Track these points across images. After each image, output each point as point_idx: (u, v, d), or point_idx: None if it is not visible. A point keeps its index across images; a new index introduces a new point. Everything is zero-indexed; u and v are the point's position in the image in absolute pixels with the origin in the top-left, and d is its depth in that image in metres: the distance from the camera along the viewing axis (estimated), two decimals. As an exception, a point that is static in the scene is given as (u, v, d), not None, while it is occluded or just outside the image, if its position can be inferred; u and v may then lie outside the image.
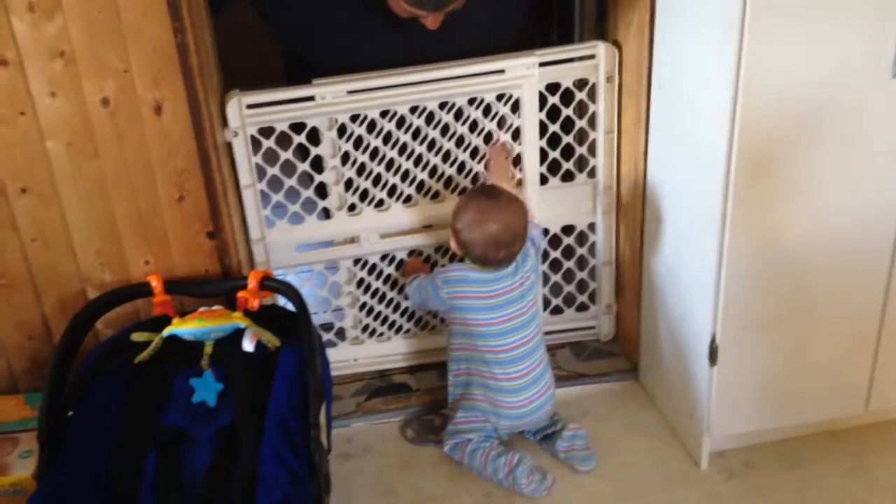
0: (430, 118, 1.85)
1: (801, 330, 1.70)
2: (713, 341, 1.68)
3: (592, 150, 1.96)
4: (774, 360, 1.72)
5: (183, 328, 1.63)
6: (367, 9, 1.74)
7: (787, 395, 1.76)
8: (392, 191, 1.92)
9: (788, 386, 1.75)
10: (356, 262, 2.00)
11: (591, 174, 1.99)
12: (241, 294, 1.68)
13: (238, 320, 1.65)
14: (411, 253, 1.98)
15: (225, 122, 1.75)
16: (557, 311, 2.14)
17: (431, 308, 1.91)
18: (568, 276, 2.11)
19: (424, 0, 1.64)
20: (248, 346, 1.62)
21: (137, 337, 1.65)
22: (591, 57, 1.87)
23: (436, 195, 1.94)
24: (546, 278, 2.09)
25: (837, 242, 1.64)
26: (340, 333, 2.08)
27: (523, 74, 1.84)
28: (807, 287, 1.67)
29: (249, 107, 1.76)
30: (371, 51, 1.83)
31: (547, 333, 2.12)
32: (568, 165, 1.97)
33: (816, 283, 1.67)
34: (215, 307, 1.71)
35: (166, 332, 1.63)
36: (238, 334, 1.64)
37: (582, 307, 2.15)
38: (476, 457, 1.79)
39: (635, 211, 1.93)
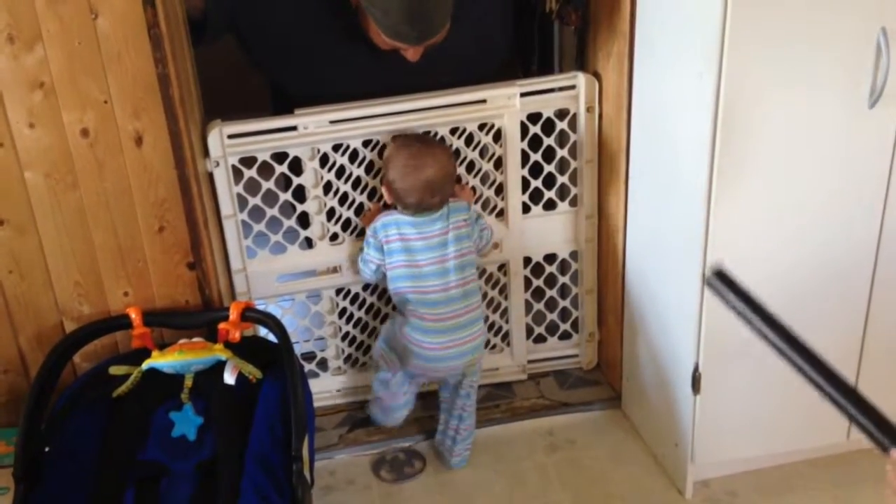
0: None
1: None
2: (696, 369, 1.69)
3: (574, 179, 1.97)
4: (757, 388, 1.72)
5: (163, 361, 1.61)
6: (348, 40, 1.75)
7: (771, 423, 1.77)
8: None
9: (772, 414, 1.75)
10: (338, 291, 1.99)
11: (573, 203, 1.99)
12: (222, 325, 1.66)
13: (219, 352, 1.63)
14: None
15: (206, 152, 1.74)
16: (541, 339, 2.14)
17: (374, 269, 1.82)
18: (551, 304, 2.11)
19: (405, 34, 1.64)
20: (229, 378, 1.60)
21: (116, 370, 1.62)
22: (572, 87, 1.88)
23: (418, 224, 1.93)
24: (529, 307, 2.08)
25: (818, 269, 1.65)
26: (322, 364, 2.06)
27: (505, 104, 1.85)
28: (788, 314, 1.65)
29: (231, 136, 1.75)
30: (352, 81, 1.83)
31: (530, 362, 2.13)
32: (550, 194, 1.98)
33: (797, 310, 1.65)
34: (196, 339, 1.69)
35: (145, 365, 1.61)
36: (219, 367, 1.62)
37: (565, 335, 2.15)
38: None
39: (617, 239, 1.94)
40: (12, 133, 1.51)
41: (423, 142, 1.75)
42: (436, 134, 1.84)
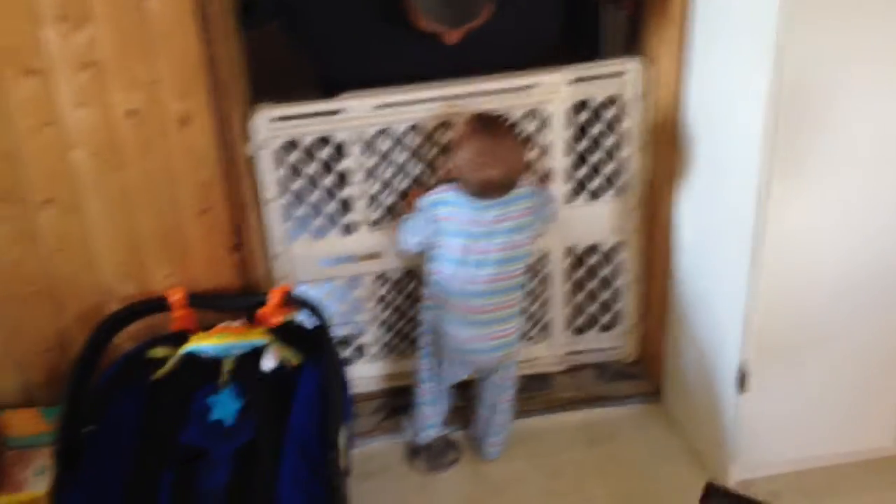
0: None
1: (831, 358, 1.67)
2: (742, 368, 1.65)
3: (622, 167, 1.93)
4: (803, 388, 1.69)
5: (203, 344, 1.61)
6: (392, 23, 1.72)
7: (817, 424, 1.73)
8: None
9: (817, 415, 1.72)
10: (378, 277, 1.97)
11: (620, 192, 1.96)
12: (262, 310, 1.66)
13: (259, 337, 1.62)
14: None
15: (250, 135, 1.73)
16: (580, 330, 2.11)
17: (417, 242, 1.77)
18: (592, 295, 2.08)
19: (443, 16, 1.62)
20: (268, 363, 1.60)
21: (157, 352, 1.63)
22: (622, 74, 1.84)
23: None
24: (570, 297, 2.05)
25: (868, 269, 1.61)
26: (360, 349, 2.05)
27: (553, 91, 1.81)
28: (838, 314, 1.63)
29: (276, 119, 1.73)
30: (397, 63, 1.80)
31: (569, 353, 2.11)
32: (596, 183, 1.94)
33: (847, 310, 1.64)
34: (236, 322, 1.69)
35: (186, 348, 1.61)
36: (259, 351, 1.62)
37: (606, 327, 2.11)
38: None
39: (665, 230, 1.90)
40: (61, 112, 1.50)
41: (495, 135, 1.65)
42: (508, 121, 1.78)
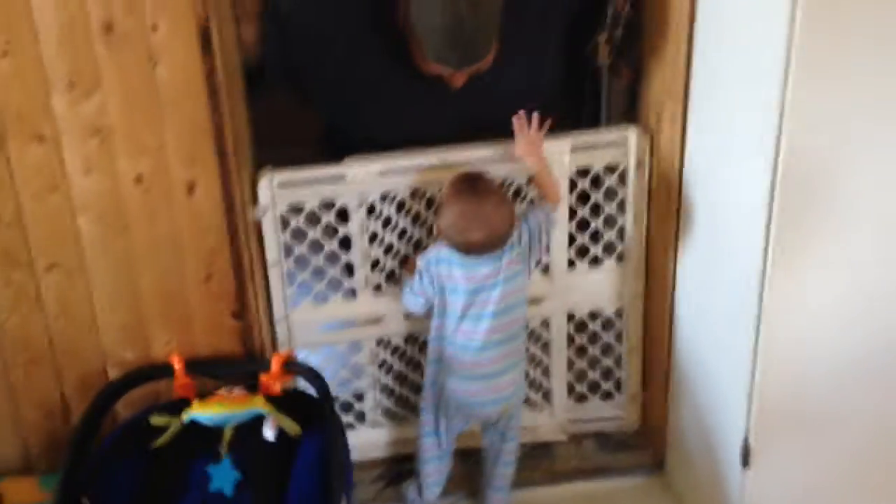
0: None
1: (838, 434, 1.65)
2: (746, 442, 1.63)
3: (621, 235, 1.94)
4: (811, 464, 1.66)
5: (203, 413, 1.60)
6: (399, 70, 1.75)
7: (825, 500, 1.70)
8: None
9: (826, 490, 1.69)
10: (379, 342, 1.96)
11: (620, 259, 1.96)
12: (263, 377, 1.65)
13: (259, 406, 1.61)
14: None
15: (255, 200, 1.74)
16: (582, 398, 2.09)
17: (421, 303, 1.77)
18: (593, 362, 2.07)
19: (448, 57, 1.65)
20: (268, 433, 1.58)
21: (156, 420, 1.61)
22: (622, 142, 1.86)
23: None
24: (571, 364, 2.04)
25: (873, 343, 1.60)
26: (360, 416, 2.03)
27: (554, 158, 1.83)
28: (844, 389, 1.62)
29: (280, 185, 1.75)
30: (404, 115, 1.84)
31: (571, 422, 2.08)
32: (596, 250, 1.95)
33: (853, 385, 1.62)
34: (236, 390, 1.67)
35: (186, 416, 1.59)
36: (258, 420, 1.60)
37: (607, 395, 2.10)
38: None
39: (665, 299, 1.90)
40: (68, 178, 1.52)
41: (478, 198, 1.65)
42: (503, 183, 1.80)
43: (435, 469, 1.86)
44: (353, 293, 1.91)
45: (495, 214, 1.64)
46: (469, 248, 1.66)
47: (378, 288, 1.90)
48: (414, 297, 1.77)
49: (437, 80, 1.72)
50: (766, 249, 1.49)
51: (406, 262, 1.86)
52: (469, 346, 1.71)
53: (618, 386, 2.08)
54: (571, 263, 1.95)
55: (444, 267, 1.70)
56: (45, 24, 1.41)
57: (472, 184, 1.67)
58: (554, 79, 1.93)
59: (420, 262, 1.73)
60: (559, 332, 2.00)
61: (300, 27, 1.75)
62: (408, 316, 1.92)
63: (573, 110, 2.02)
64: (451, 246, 1.68)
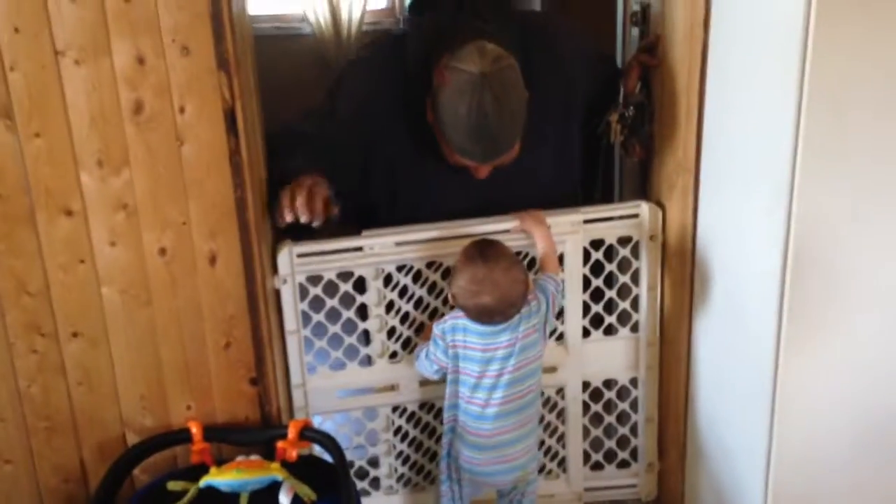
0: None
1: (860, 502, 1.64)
2: (764, 512, 1.63)
3: (635, 305, 1.96)
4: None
5: (220, 479, 1.61)
6: (426, 159, 1.82)
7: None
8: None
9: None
10: (394, 409, 1.98)
11: (634, 329, 1.98)
12: (280, 444, 1.67)
13: (276, 472, 1.62)
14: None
15: (275, 270, 1.78)
16: (598, 466, 2.09)
17: (435, 370, 1.78)
18: (609, 431, 2.07)
19: (471, 151, 1.70)
20: (284, 500, 1.59)
21: (174, 486, 1.62)
22: (635, 216, 1.89)
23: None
24: (587, 432, 2.05)
25: (890, 418, 1.59)
26: (375, 482, 2.04)
27: (568, 230, 1.87)
28: (859, 466, 1.61)
29: (300, 256, 1.79)
30: (429, 199, 1.89)
31: (587, 490, 2.08)
32: (611, 319, 1.97)
33: (869, 461, 1.61)
34: (253, 456, 1.69)
35: (203, 482, 1.61)
36: (275, 486, 1.62)
37: (623, 464, 2.09)
38: None
39: (679, 369, 1.91)
40: (94, 250, 1.57)
41: (488, 263, 1.65)
42: (520, 253, 1.83)
43: None
44: (369, 360, 1.94)
45: (505, 279, 1.65)
46: (481, 314, 1.67)
47: (394, 356, 1.92)
48: (428, 364, 1.78)
49: (462, 169, 1.78)
50: (779, 320, 1.50)
51: (422, 329, 1.88)
52: (483, 415, 1.72)
53: (634, 455, 2.08)
54: (586, 333, 1.97)
55: (459, 335, 1.72)
56: (77, 107, 1.48)
57: (482, 249, 1.68)
58: (577, 165, 1.98)
59: (436, 328, 1.75)
60: (574, 400, 2.01)
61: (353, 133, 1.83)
62: (423, 383, 1.94)
63: (587, 186, 2.06)
64: (465, 313, 1.70)
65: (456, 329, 1.72)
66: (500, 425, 1.72)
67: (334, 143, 1.82)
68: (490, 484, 1.81)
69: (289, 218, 1.66)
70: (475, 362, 1.71)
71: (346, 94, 1.87)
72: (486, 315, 1.67)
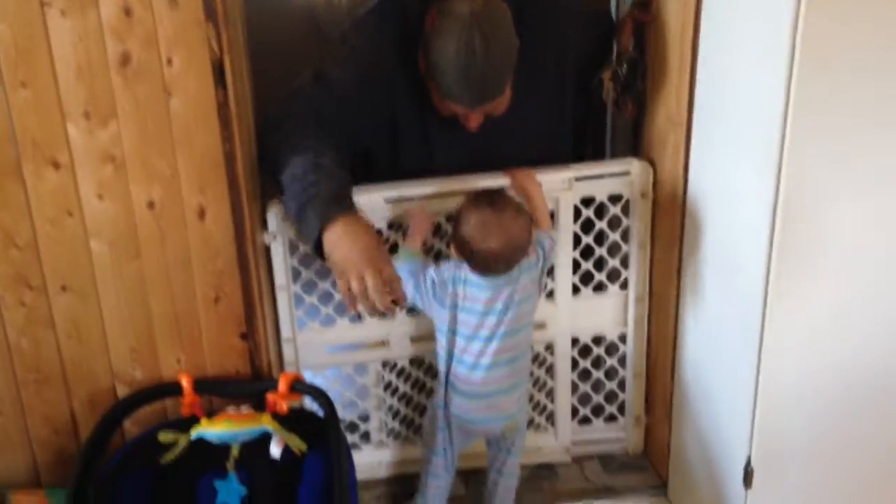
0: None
1: (839, 456, 1.66)
2: (748, 464, 1.65)
3: (625, 262, 1.97)
4: (812, 487, 1.68)
5: (211, 430, 1.63)
6: (419, 112, 1.81)
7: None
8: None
9: (825, 515, 1.71)
10: (385, 364, 1.99)
11: (623, 286, 1.99)
12: (270, 396, 1.68)
13: (266, 424, 1.64)
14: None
15: (265, 225, 1.78)
16: (586, 420, 2.11)
17: (411, 297, 1.73)
18: (597, 386, 2.09)
19: (461, 95, 1.69)
20: (275, 451, 1.61)
21: (164, 437, 1.64)
22: (626, 173, 1.89)
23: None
24: (575, 387, 2.07)
25: (873, 370, 1.61)
26: (365, 436, 2.06)
27: (559, 188, 1.87)
28: (847, 412, 1.63)
29: (289, 211, 1.78)
30: (421, 155, 1.89)
31: (575, 444, 2.11)
32: (600, 277, 1.98)
33: (857, 407, 1.64)
34: (243, 408, 1.71)
35: (194, 433, 1.63)
36: (265, 438, 1.63)
37: (611, 418, 2.12)
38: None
39: (668, 324, 1.92)
40: (82, 203, 1.56)
41: (495, 209, 1.64)
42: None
43: (442, 484, 1.87)
44: (359, 316, 1.94)
45: (514, 224, 1.64)
46: (486, 261, 1.65)
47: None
48: (412, 288, 1.72)
49: (454, 121, 1.76)
50: (767, 275, 1.51)
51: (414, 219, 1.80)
52: (478, 364, 1.73)
53: (621, 409, 2.11)
54: (576, 290, 1.98)
55: (459, 287, 1.71)
56: (63, 59, 1.46)
57: (489, 196, 1.68)
58: (570, 121, 1.97)
59: (434, 274, 1.71)
60: (563, 356, 2.02)
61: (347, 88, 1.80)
62: (414, 339, 1.95)
63: (578, 144, 2.06)
64: (469, 261, 1.68)
65: (457, 281, 1.71)
66: (492, 375, 1.73)
67: (334, 108, 1.79)
68: (480, 432, 1.84)
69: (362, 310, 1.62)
70: (474, 314, 1.71)
71: (353, 52, 1.83)
72: (492, 261, 1.65)
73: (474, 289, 1.70)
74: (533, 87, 1.83)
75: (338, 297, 1.90)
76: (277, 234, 1.78)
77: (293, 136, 1.72)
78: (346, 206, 1.63)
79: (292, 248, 1.83)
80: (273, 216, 1.77)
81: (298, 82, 1.82)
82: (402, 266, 1.70)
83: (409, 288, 1.70)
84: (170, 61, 1.48)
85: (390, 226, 1.85)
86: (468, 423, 1.80)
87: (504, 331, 1.71)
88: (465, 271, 1.69)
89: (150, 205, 1.57)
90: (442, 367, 1.79)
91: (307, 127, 1.74)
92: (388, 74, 1.81)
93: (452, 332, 1.75)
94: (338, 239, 1.59)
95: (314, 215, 1.60)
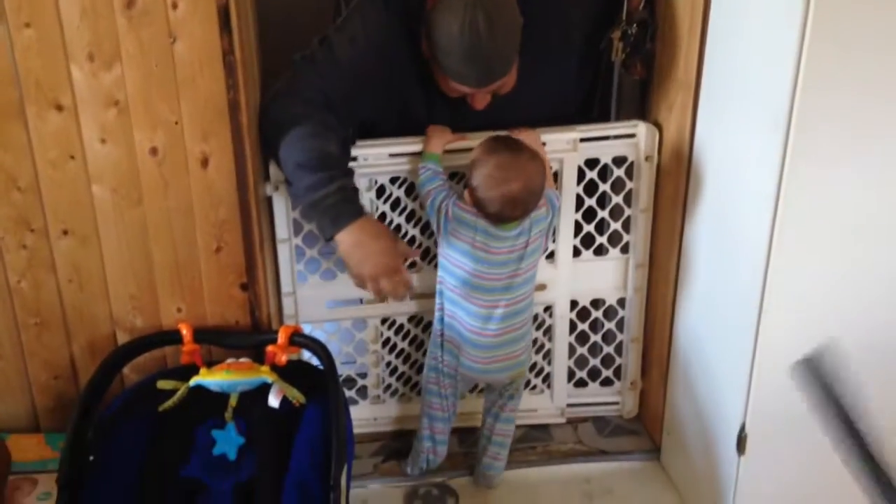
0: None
1: (832, 424, 1.67)
2: (742, 430, 1.66)
3: (627, 226, 1.97)
4: (807, 452, 1.68)
5: (210, 379, 1.63)
6: (425, 92, 1.80)
7: (818, 491, 1.72)
8: (425, 253, 1.92)
9: (819, 481, 1.71)
10: (384, 321, 2.00)
11: (624, 250, 1.99)
12: (270, 348, 1.68)
13: (265, 375, 1.64)
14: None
15: (267, 176, 1.77)
16: (581, 383, 2.12)
17: (431, 208, 1.75)
18: (594, 349, 2.10)
19: (465, 76, 1.67)
20: (273, 401, 1.62)
21: (163, 384, 1.64)
22: (632, 136, 1.88)
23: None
24: (572, 350, 2.07)
25: (871, 338, 1.62)
26: (362, 391, 2.07)
27: (563, 149, 1.86)
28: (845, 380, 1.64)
29: (292, 163, 1.78)
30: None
31: (570, 406, 2.12)
32: (602, 240, 1.98)
33: (854, 376, 1.64)
34: (242, 359, 1.71)
35: (193, 381, 1.63)
36: (264, 388, 1.64)
37: (607, 382, 2.13)
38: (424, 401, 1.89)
39: (667, 290, 1.92)
40: (84, 147, 1.55)
41: (513, 151, 1.65)
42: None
43: (444, 428, 1.90)
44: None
45: (531, 166, 1.65)
46: (504, 206, 1.64)
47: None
48: (428, 200, 1.73)
49: (461, 102, 1.75)
50: (770, 241, 1.51)
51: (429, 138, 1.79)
52: (492, 315, 1.75)
53: (617, 373, 2.12)
54: (577, 252, 1.97)
55: (469, 231, 1.70)
56: (67, -1, 1.44)
57: (504, 140, 1.69)
58: (577, 98, 1.96)
59: (452, 208, 1.70)
60: (562, 318, 2.03)
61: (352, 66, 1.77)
62: (414, 296, 1.95)
63: (585, 104, 2.04)
64: (485, 209, 1.67)
65: (466, 224, 1.71)
66: (506, 325, 1.76)
67: (341, 87, 1.77)
68: (487, 381, 1.87)
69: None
70: (493, 265, 1.72)
71: (363, 30, 1.79)
72: (510, 206, 1.65)
73: (493, 240, 1.71)
74: (539, 63, 1.81)
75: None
76: (280, 185, 1.78)
77: (298, 116, 1.70)
78: (356, 209, 1.69)
79: (294, 201, 1.82)
80: (275, 168, 1.76)
81: (303, 58, 1.78)
82: (427, 164, 1.75)
83: (430, 188, 1.74)
84: (175, 5, 1.46)
85: (393, 180, 1.85)
86: (477, 374, 1.82)
87: (520, 281, 1.74)
88: (484, 221, 1.70)
89: (153, 151, 1.56)
90: (448, 309, 1.79)
91: (311, 106, 1.72)
92: (395, 53, 1.78)
93: (458, 276, 1.75)
94: (352, 246, 1.68)
95: (326, 219, 1.68)
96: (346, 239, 1.67)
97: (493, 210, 1.66)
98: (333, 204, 1.66)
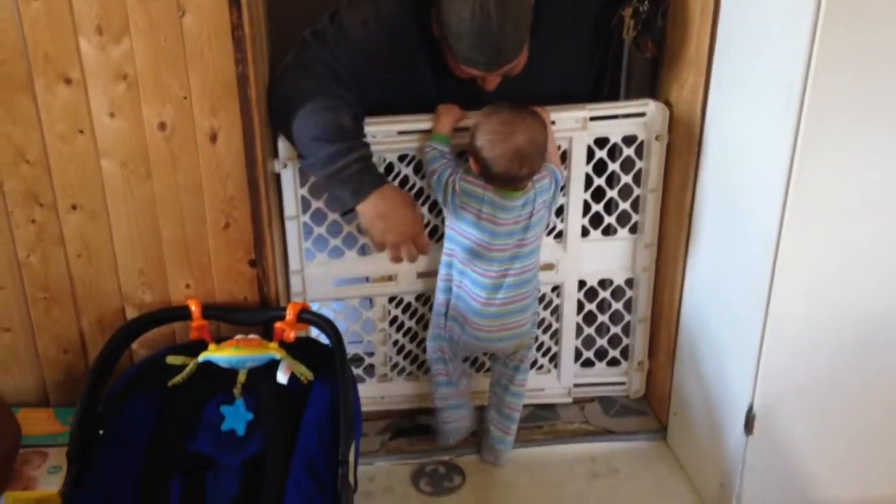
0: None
1: (843, 403, 1.67)
2: (750, 410, 1.66)
3: (636, 206, 1.96)
4: (814, 432, 1.69)
5: (219, 355, 1.64)
6: (436, 75, 1.79)
7: (825, 470, 1.73)
8: (433, 231, 1.92)
9: (827, 460, 1.72)
10: (391, 299, 2.00)
11: (633, 230, 1.98)
12: (278, 325, 1.68)
13: (274, 351, 1.65)
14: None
15: (276, 153, 1.77)
16: (588, 363, 2.12)
17: (438, 184, 1.76)
18: (601, 329, 2.09)
19: (476, 59, 1.66)
20: (282, 378, 1.62)
21: (172, 360, 1.65)
22: (642, 114, 1.87)
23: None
24: (580, 330, 2.07)
25: (880, 318, 1.61)
26: (369, 369, 2.08)
27: (573, 127, 1.85)
28: (852, 358, 1.64)
29: (300, 139, 1.77)
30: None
31: (577, 386, 2.12)
32: (610, 220, 1.97)
33: (862, 356, 1.64)
34: (251, 336, 1.71)
35: (202, 357, 1.64)
36: (272, 365, 1.64)
37: (614, 362, 2.13)
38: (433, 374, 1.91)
39: (675, 270, 1.92)
40: (93, 121, 1.55)
41: (514, 108, 1.68)
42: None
43: (454, 392, 1.91)
44: (367, 250, 1.94)
45: (534, 122, 1.66)
46: (512, 162, 1.63)
47: (393, 245, 1.93)
48: (435, 176, 1.75)
49: (472, 82, 1.74)
50: (781, 222, 1.50)
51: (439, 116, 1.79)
52: (500, 285, 1.76)
53: (624, 353, 2.11)
54: (585, 232, 1.97)
55: (475, 203, 1.71)
56: (76, -31, 1.44)
57: (505, 103, 1.70)
58: (587, 80, 1.94)
59: (459, 182, 1.72)
60: (570, 298, 2.02)
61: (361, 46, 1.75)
62: (421, 274, 1.95)
63: (595, 82, 2.03)
64: (486, 173, 1.67)
65: (471, 195, 1.72)
66: (512, 294, 1.78)
67: (353, 66, 1.76)
68: (493, 349, 1.88)
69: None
70: (499, 236, 1.74)
71: (376, 12, 1.78)
72: (517, 162, 1.64)
73: (500, 211, 1.71)
74: (549, 42, 1.80)
75: (347, 228, 1.91)
76: (288, 163, 1.77)
77: (309, 91, 1.69)
78: (377, 178, 1.69)
79: (302, 178, 1.82)
80: (284, 143, 1.75)
81: (313, 33, 1.77)
82: (434, 144, 1.76)
83: (436, 166, 1.75)
84: (184, -22, 1.46)
85: (401, 158, 1.84)
86: (482, 342, 1.83)
87: (526, 251, 1.76)
88: (491, 192, 1.70)
89: (162, 126, 1.56)
90: (455, 279, 1.80)
91: (322, 81, 1.71)
92: (407, 34, 1.77)
93: (464, 247, 1.76)
94: (375, 218, 1.69)
95: (346, 189, 1.68)
96: (368, 210, 1.68)
97: (500, 169, 1.65)
98: (354, 174, 1.66)
